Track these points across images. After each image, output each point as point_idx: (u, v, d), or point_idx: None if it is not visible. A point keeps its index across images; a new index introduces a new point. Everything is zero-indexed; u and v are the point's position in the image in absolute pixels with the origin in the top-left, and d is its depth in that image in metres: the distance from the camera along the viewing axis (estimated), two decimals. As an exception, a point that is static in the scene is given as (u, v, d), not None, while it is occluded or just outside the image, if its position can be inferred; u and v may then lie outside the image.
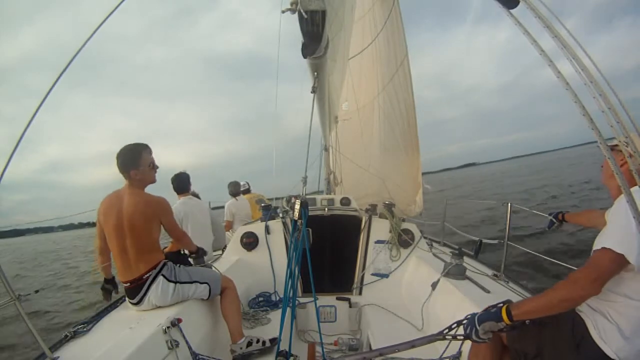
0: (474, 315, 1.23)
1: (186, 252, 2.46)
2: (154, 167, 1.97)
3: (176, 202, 3.47)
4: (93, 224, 2.04)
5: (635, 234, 1.01)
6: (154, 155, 1.98)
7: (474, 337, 1.20)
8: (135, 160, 1.88)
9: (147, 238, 1.89)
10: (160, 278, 1.89)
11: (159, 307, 1.92)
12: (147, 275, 1.87)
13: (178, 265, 2.08)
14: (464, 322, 1.25)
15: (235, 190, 5.26)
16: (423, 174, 5.03)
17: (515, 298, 1.72)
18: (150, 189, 2.03)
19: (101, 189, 2.10)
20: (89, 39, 1.36)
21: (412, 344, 1.22)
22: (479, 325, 1.18)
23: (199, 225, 3.51)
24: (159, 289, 1.88)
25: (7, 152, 1.33)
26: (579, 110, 0.92)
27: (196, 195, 4.14)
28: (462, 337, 1.22)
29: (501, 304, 1.21)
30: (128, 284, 1.88)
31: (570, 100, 0.91)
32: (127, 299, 1.97)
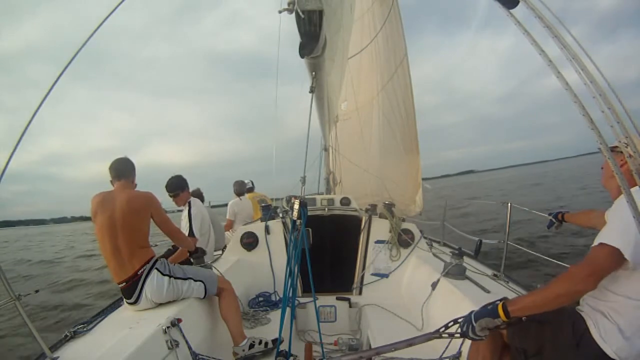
0: (470, 312, 1.22)
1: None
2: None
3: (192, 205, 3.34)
4: (86, 218, 2.06)
5: (632, 230, 1.01)
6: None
7: (470, 334, 1.18)
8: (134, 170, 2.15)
9: (139, 233, 1.96)
10: (155, 272, 1.93)
11: (156, 302, 1.93)
12: (141, 270, 1.91)
13: (173, 263, 2.10)
14: (460, 320, 1.23)
15: (240, 189, 5.23)
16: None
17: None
18: (147, 189, 2.10)
19: (99, 184, 2.09)
20: (92, 33, 1.35)
21: (409, 343, 1.20)
22: (475, 322, 1.17)
23: (207, 226, 3.50)
24: (154, 282, 1.91)
25: (7, 144, 1.31)
26: (579, 110, 0.91)
27: (200, 194, 4.12)
28: (458, 335, 1.21)
29: (498, 301, 1.19)
30: (124, 284, 1.90)
31: (571, 101, 0.91)
32: (124, 300, 1.98)
